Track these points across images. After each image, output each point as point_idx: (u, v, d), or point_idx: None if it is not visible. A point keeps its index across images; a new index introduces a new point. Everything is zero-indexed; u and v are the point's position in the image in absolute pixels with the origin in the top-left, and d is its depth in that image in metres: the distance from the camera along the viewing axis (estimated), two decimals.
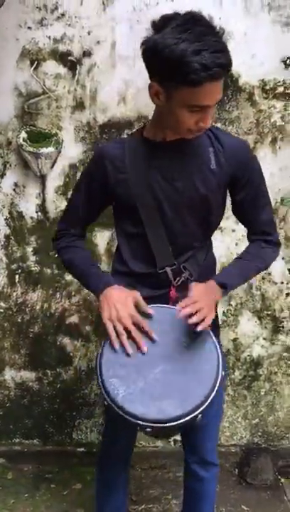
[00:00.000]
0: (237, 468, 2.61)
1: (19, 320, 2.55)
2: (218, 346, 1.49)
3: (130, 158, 1.55)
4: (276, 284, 2.52)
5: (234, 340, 2.57)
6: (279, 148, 2.39)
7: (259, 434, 2.67)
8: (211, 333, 1.50)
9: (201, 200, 1.54)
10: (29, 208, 2.43)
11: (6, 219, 2.45)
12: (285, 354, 2.59)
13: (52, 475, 2.57)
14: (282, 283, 2.52)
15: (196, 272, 1.60)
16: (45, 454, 2.64)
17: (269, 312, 2.55)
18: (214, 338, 1.50)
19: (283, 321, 2.56)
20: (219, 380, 1.43)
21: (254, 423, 2.66)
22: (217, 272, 1.74)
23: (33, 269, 2.49)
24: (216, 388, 1.42)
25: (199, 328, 1.40)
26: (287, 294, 2.54)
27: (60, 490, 2.48)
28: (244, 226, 1.72)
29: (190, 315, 1.40)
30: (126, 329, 1.46)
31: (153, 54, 1.36)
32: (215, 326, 1.59)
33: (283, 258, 2.49)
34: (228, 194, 1.66)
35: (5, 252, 2.48)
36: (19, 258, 2.48)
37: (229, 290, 1.58)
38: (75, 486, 2.50)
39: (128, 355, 1.46)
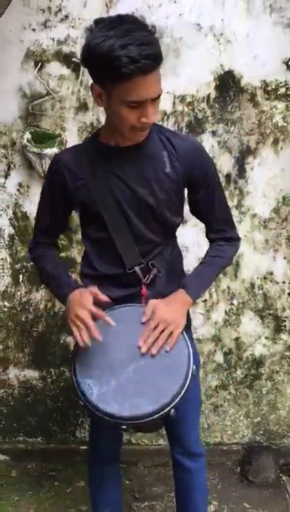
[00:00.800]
0: (239, 467, 2.63)
1: (23, 319, 2.57)
2: (189, 342, 1.52)
3: (87, 164, 1.57)
4: (278, 283, 2.54)
5: (237, 339, 2.59)
6: (281, 148, 2.40)
7: (261, 432, 2.69)
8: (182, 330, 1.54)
9: (160, 203, 1.57)
10: (33, 208, 2.42)
11: (10, 219, 2.47)
12: (287, 353, 2.60)
13: (56, 473, 2.59)
14: (284, 282, 2.54)
15: (164, 267, 1.64)
16: (48, 452, 2.67)
17: (271, 311, 2.57)
18: (185, 334, 1.53)
19: (285, 321, 2.58)
20: (190, 375, 1.46)
21: (256, 421, 2.68)
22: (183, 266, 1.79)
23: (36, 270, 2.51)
24: (187, 383, 1.45)
25: (167, 349, 1.47)
26: (289, 294, 2.55)
27: (64, 487, 2.50)
28: (204, 223, 1.75)
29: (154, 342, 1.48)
30: (86, 325, 1.49)
31: (86, 55, 1.39)
32: (187, 322, 1.62)
33: (285, 258, 2.51)
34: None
35: (9, 251, 2.50)
36: (23, 258, 2.50)
37: (195, 297, 1.63)
38: (79, 484, 2.52)
39: (102, 349, 1.49)
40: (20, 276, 2.52)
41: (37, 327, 2.58)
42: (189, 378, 1.46)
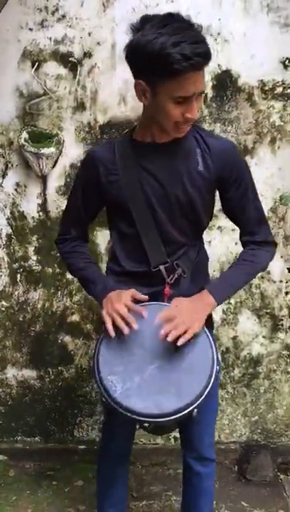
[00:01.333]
0: (237, 465, 2.63)
1: (21, 319, 2.57)
2: (212, 342, 1.52)
3: (120, 160, 1.58)
4: (275, 282, 2.55)
5: (234, 338, 2.59)
6: (278, 148, 2.41)
7: (259, 431, 2.70)
8: (205, 329, 1.53)
9: (190, 201, 1.58)
10: (30, 207, 2.46)
11: (7, 218, 2.47)
12: (284, 352, 2.61)
13: (54, 472, 2.59)
14: (281, 281, 2.54)
15: (189, 268, 1.63)
16: (46, 452, 2.67)
17: (268, 310, 2.58)
18: (208, 333, 1.53)
19: (282, 320, 2.58)
20: (213, 375, 1.46)
21: (253, 420, 2.68)
22: (209, 269, 1.79)
23: (34, 268, 2.52)
24: (211, 383, 1.45)
25: (179, 343, 1.44)
26: (286, 293, 2.56)
27: (62, 487, 2.50)
28: (236, 225, 1.74)
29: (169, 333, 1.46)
30: (121, 316, 1.50)
31: (136, 52, 1.42)
32: (210, 323, 1.62)
33: (281, 257, 2.51)
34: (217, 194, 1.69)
35: (7, 251, 2.50)
36: (21, 257, 2.50)
37: (220, 299, 1.60)
38: (77, 483, 2.52)
39: (125, 346, 1.49)
40: (18, 275, 2.52)
41: (34, 327, 2.58)
42: (213, 378, 1.45)
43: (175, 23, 1.38)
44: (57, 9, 2.27)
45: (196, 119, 1.49)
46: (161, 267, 1.60)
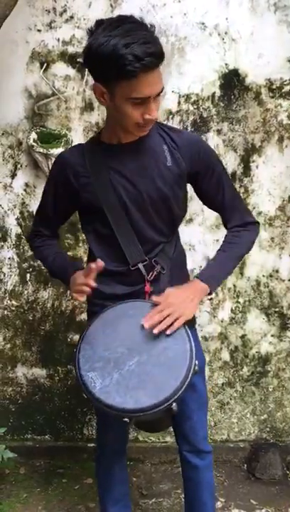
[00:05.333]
0: (246, 464, 2.64)
1: (30, 318, 2.59)
2: (192, 337, 1.53)
3: (90, 163, 1.59)
4: (283, 281, 2.55)
5: (243, 336, 2.60)
6: (286, 146, 2.41)
7: (268, 429, 2.70)
8: (184, 324, 1.54)
9: (162, 197, 1.59)
10: None
11: (17, 218, 2.49)
12: None
13: (64, 470, 2.61)
14: None
15: (167, 264, 1.65)
16: (56, 450, 2.69)
17: (277, 309, 2.58)
18: (187, 328, 1.54)
19: None
20: (192, 369, 1.47)
21: (262, 419, 2.69)
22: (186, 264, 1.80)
23: (43, 267, 2.52)
24: (189, 378, 1.46)
25: (168, 332, 1.48)
26: None
27: (72, 484, 2.52)
28: (217, 212, 1.75)
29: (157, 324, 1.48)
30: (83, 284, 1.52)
31: (89, 55, 1.42)
32: (190, 320, 1.61)
33: None
34: (191, 187, 1.70)
35: (16, 251, 2.52)
36: (30, 257, 2.52)
37: (214, 284, 1.62)
38: (86, 481, 2.54)
39: (105, 343, 1.52)
40: (28, 275, 2.54)
41: (44, 325, 2.60)
42: (191, 373, 1.47)
43: (126, 25, 1.37)
44: (65, 10, 2.28)
45: (156, 119, 1.48)
46: (140, 265, 1.61)
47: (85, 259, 2.50)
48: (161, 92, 1.46)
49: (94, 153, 1.60)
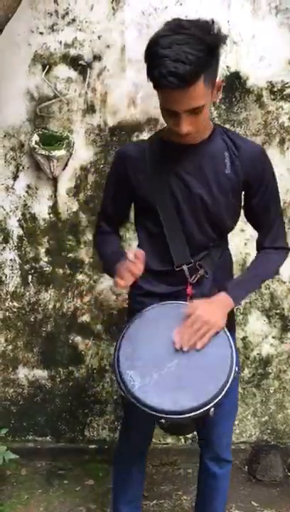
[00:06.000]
0: (247, 465, 2.64)
1: (32, 319, 2.60)
2: (232, 342, 1.53)
3: (149, 160, 1.60)
4: (284, 283, 2.55)
5: (244, 338, 2.60)
6: (287, 148, 2.42)
7: (269, 431, 2.70)
8: (225, 329, 1.54)
9: (215, 204, 1.58)
10: (41, 209, 2.48)
11: (18, 220, 2.50)
12: None
13: (65, 471, 2.61)
14: None
15: (211, 269, 1.64)
16: (57, 451, 2.69)
17: (278, 311, 2.58)
18: (228, 334, 1.54)
19: None
20: (232, 375, 1.47)
21: (263, 421, 2.69)
22: (233, 271, 1.80)
23: (45, 269, 2.54)
24: (229, 383, 1.45)
25: (198, 347, 1.48)
26: None
27: (73, 486, 2.52)
28: (255, 229, 1.75)
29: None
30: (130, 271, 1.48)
31: (146, 49, 1.41)
32: (230, 324, 1.63)
33: None
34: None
35: (18, 252, 2.53)
36: (32, 258, 2.53)
37: (237, 301, 1.62)
38: (88, 482, 2.54)
39: (145, 342, 1.51)
40: (29, 276, 2.55)
41: (46, 327, 2.61)
42: (231, 379, 1.46)
43: (175, 36, 1.33)
44: (67, 13, 2.29)
45: (185, 133, 1.44)
46: (184, 267, 1.61)
47: (86, 260, 2.52)
48: (199, 109, 1.40)
49: (154, 150, 1.60)
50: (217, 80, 1.44)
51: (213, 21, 1.39)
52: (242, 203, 1.68)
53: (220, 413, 1.49)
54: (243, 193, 1.65)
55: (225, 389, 1.44)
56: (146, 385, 1.45)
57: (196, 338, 1.49)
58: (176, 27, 1.36)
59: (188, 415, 1.42)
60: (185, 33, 1.33)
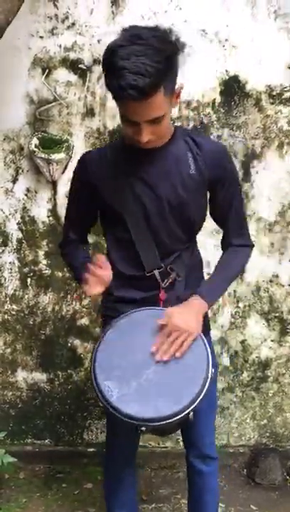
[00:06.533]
0: (246, 469, 2.64)
1: (31, 322, 2.60)
2: (207, 344, 1.54)
3: (113, 165, 1.59)
4: (283, 286, 2.55)
5: (243, 342, 2.60)
6: (286, 152, 2.42)
7: (267, 434, 2.70)
8: (200, 333, 1.55)
9: (182, 205, 1.58)
10: (41, 212, 2.49)
11: (18, 223, 2.50)
12: None
13: (64, 475, 2.61)
14: None
15: (183, 272, 1.64)
16: (56, 454, 2.68)
17: (277, 314, 2.58)
18: (203, 336, 1.55)
19: None
20: (209, 377, 1.48)
21: (262, 424, 2.69)
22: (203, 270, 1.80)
23: (44, 272, 2.54)
24: (206, 386, 1.47)
25: (177, 355, 1.49)
26: None
27: (72, 489, 2.52)
28: (221, 227, 1.75)
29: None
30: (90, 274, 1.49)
31: (103, 55, 1.40)
32: (205, 325, 1.63)
33: None
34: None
35: (17, 255, 2.53)
36: (31, 261, 2.53)
37: (211, 303, 1.63)
38: (86, 486, 2.54)
39: (121, 352, 1.52)
40: (28, 279, 2.55)
41: (44, 330, 2.61)
42: (208, 381, 1.47)
43: (135, 46, 1.31)
44: (67, 17, 2.30)
45: (145, 142, 1.44)
46: (155, 272, 1.61)
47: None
48: (159, 118, 1.40)
49: (117, 156, 1.60)
50: (177, 86, 1.44)
51: (171, 30, 1.39)
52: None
53: (199, 414, 1.50)
54: (209, 190, 1.65)
55: (203, 392, 1.45)
56: (125, 394, 1.46)
57: (175, 348, 1.49)
58: (134, 37, 1.33)
59: (167, 421, 1.43)
60: (144, 43, 1.31)
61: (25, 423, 2.71)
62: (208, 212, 1.71)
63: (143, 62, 1.29)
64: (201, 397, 1.45)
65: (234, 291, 2.54)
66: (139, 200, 1.57)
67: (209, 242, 2.46)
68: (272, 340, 2.60)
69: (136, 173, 1.56)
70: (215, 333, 2.59)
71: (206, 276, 1.77)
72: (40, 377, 2.65)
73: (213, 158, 1.58)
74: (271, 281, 2.54)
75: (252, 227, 2.47)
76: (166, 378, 1.47)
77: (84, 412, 2.68)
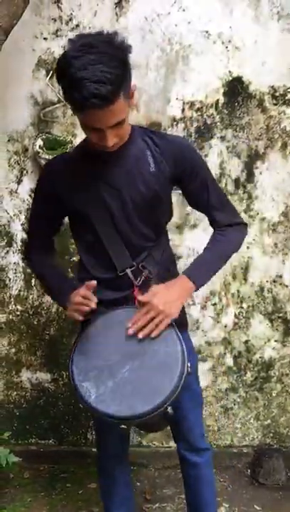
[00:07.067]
0: (250, 469, 2.64)
1: (35, 322, 2.61)
2: (181, 339, 1.55)
3: (76, 171, 1.60)
4: (287, 286, 2.56)
5: (246, 342, 2.61)
6: (289, 153, 2.43)
7: (271, 435, 2.70)
8: (174, 327, 1.56)
9: (146, 203, 1.60)
10: None
11: (22, 224, 2.51)
12: None
13: (68, 474, 2.62)
14: None
15: (155, 268, 1.66)
16: (60, 454, 2.69)
17: (281, 315, 2.59)
18: (177, 331, 1.56)
19: None
20: (185, 372, 1.49)
21: (265, 424, 2.69)
22: (176, 266, 1.81)
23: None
24: (182, 380, 1.48)
25: (153, 335, 1.51)
26: None
27: (76, 489, 2.53)
28: (205, 214, 1.75)
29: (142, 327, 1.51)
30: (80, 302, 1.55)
31: (57, 65, 1.40)
32: (182, 322, 1.64)
33: None
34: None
35: (21, 256, 2.54)
36: None
37: (200, 282, 1.63)
38: (90, 485, 2.54)
39: (97, 353, 1.55)
40: (33, 280, 2.56)
41: (49, 330, 2.62)
42: (184, 376, 1.49)
43: (90, 55, 1.32)
44: (71, 19, 2.31)
45: (112, 146, 1.46)
46: (128, 271, 1.62)
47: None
48: (121, 122, 1.42)
49: (79, 161, 1.61)
50: (131, 88, 1.44)
51: (116, 32, 1.39)
52: (176, 195, 1.70)
53: (186, 406, 1.54)
54: (177, 184, 1.66)
55: (179, 387, 1.47)
56: (102, 394, 1.49)
57: (151, 327, 1.50)
58: (84, 47, 1.33)
59: (144, 418, 1.45)
60: (96, 51, 1.32)
61: (30, 423, 2.72)
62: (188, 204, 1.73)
63: (101, 70, 1.31)
64: (177, 392, 1.47)
65: (238, 291, 2.55)
66: (104, 202, 1.59)
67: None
68: (276, 341, 2.61)
69: (99, 176, 1.58)
70: (218, 334, 2.60)
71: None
72: (44, 377, 2.67)
73: (172, 153, 1.60)
74: (274, 281, 2.55)
75: (256, 228, 2.48)
76: (142, 376, 1.49)
77: (88, 412, 2.68)
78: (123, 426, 1.48)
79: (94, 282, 1.54)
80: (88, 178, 1.59)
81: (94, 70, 1.31)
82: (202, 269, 1.66)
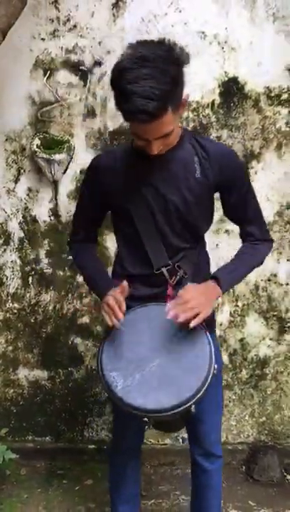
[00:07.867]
0: (245, 466, 2.66)
1: (32, 320, 2.63)
2: (211, 340, 1.57)
3: (122, 169, 1.63)
4: (282, 285, 2.58)
5: (241, 340, 2.63)
6: (284, 153, 2.45)
7: (266, 432, 2.72)
8: (204, 327, 1.58)
9: (188, 208, 1.62)
10: (42, 212, 2.52)
11: (20, 223, 2.53)
12: None
13: (64, 471, 2.64)
14: (288, 284, 2.58)
15: (190, 269, 1.68)
16: (57, 451, 2.71)
17: (275, 313, 2.61)
18: (207, 332, 1.58)
19: (289, 322, 2.61)
20: (211, 372, 1.51)
21: (260, 421, 2.71)
22: (210, 270, 1.82)
23: (45, 271, 2.57)
24: (209, 380, 1.50)
25: (191, 325, 1.49)
26: None
27: (72, 485, 2.55)
28: (238, 225, 1.78)
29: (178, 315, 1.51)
30: (112, 309, 1.57)
31: (111, 73, 1.43)
32: (211, 325, 1.66)
33: (288, 260, 2.55)
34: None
35: (19, 254, 2.56)
36: (32, 260, 2.56)
37: (226, 288, 1.65)
38: (87, 482, 2.56)
39: (127, 344, 1.56)
40: (30, 278, 2.58)
41: (46, 328, 2.64)
42: (211, 376, 1.50)
43: (142, 69, 1.33)
44: (68, 19, 2.33)
45: (157, 153, 1.49)
46: (164, 270, 1.65)
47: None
48: (168, 133, 1.45)
49: (127, 159, 1.64)
50: (183, 98, 1.46)
51: (175, 44, 1.41)
52: (217, 204, 1.71)
53: (204, 411, 1.53)
54: (218, 194, 1.68)
55: (205, 386, 1.48)
56: (129, 385, 1.50)
57: (190, 315, 1.48)
58: (140, 59, 1.35)
59: (169, 413, 1.46)
60: (150, 66, 1.34)
61: (27, 420, 2.73)
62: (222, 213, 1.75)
63: (151, 85, 1.33)
64: (202, 391, 1.48)
65: (233, 289, 2.57)
66: (147, 203, 1.61)
67: (210, 241, 2.49)
68: (271, 339, 2.63)
69: (145, 176, 1.60)
70: None
71: None
72: (41, 374, 2.68)
73: (220, 161, 1.61)
74: (269, 280, 2.57)
75: None
76: (169, 372, 1.50)
77: (85, 410, 2.71)
78: (145, 419, 1.48)
79: (126, 285, 1.56)
80: (134, 179, 1.61)
81: (144, 85, 1.33)
82: (231, 278, 1.68)
